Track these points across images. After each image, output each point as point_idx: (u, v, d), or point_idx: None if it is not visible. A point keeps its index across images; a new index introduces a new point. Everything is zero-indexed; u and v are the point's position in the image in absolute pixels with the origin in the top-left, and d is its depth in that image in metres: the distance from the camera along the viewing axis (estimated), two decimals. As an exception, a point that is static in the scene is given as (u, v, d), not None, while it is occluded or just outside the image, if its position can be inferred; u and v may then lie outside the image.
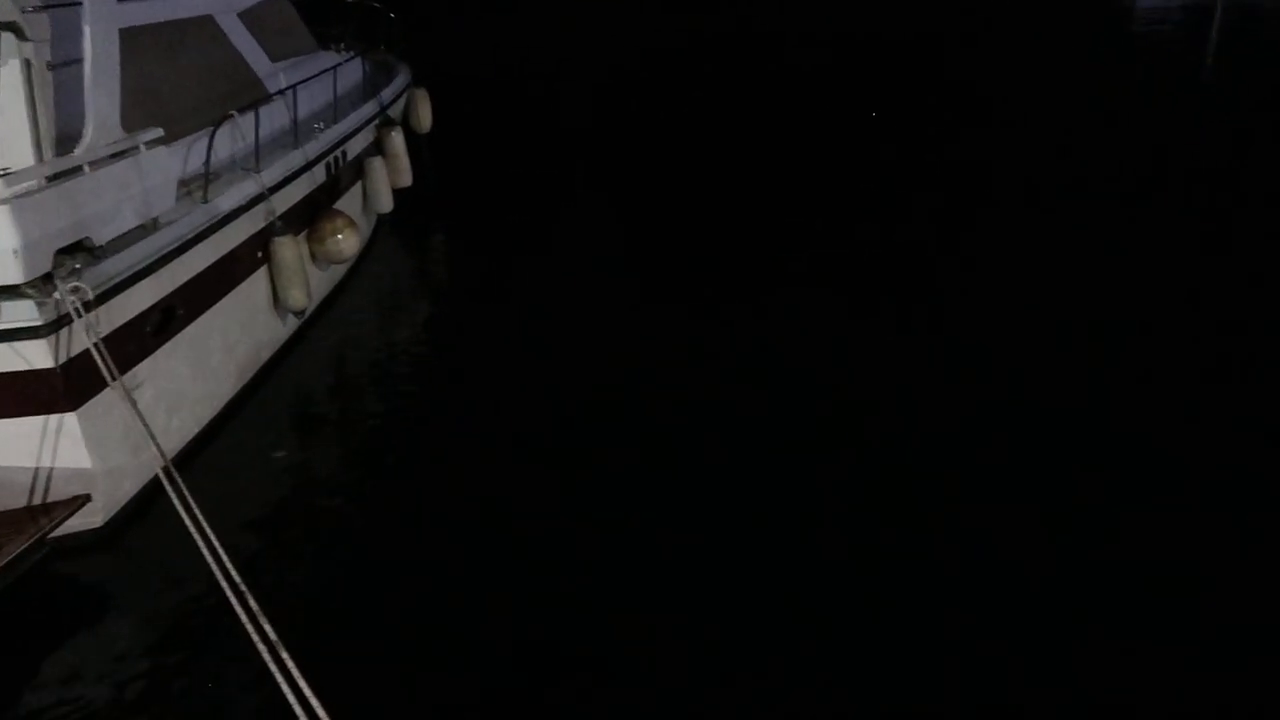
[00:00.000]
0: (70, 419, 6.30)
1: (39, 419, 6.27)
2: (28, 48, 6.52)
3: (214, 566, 4.82)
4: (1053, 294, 10.51)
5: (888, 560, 6.28)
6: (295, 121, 9.88)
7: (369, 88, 12.50)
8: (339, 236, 9.65)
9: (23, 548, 5.95)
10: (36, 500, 6.42)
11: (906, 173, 15.53)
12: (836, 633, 5.69)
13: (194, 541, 5.03)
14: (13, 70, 6.51)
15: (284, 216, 8.81)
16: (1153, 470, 7.21)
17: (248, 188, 8.35)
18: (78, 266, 6.26)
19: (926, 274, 11.26)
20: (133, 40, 7.72)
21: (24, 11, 6.45)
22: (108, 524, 6.65)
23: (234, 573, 4.74)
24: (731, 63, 27.60)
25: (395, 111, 13.08)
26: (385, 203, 11.95)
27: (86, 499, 6.45)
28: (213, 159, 8.02)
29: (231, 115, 8.48)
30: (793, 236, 12.72)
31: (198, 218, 7.59)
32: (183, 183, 7.91)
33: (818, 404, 8.24)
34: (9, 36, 6.47)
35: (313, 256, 9.68)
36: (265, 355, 8.99)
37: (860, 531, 6.57)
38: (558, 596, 6.00)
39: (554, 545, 6.48)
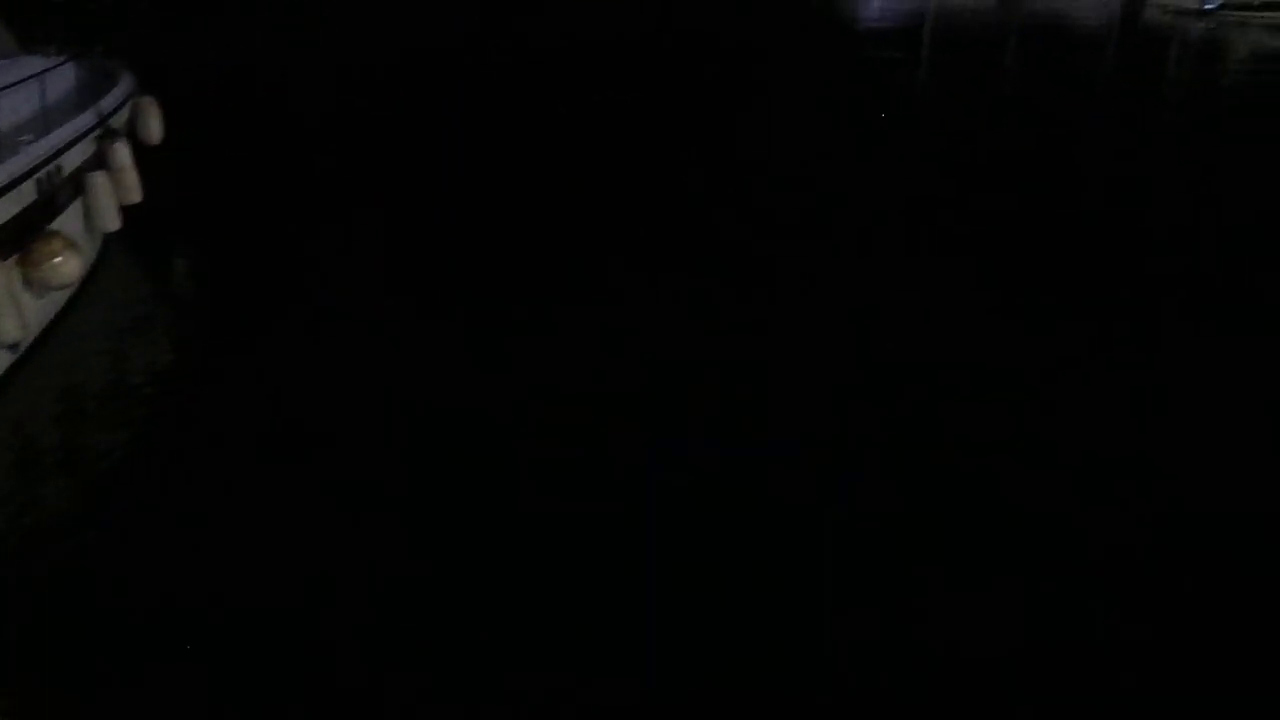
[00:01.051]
0: None
1: None
2: None
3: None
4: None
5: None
6: (-4, 134, 8.91)
7: (85, 96, 11.44)
8: (57, 260, 8.78)
9: None
10: None
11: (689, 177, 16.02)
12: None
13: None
14: None
15: (-13, 240, 7.91)
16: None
17: (-61, 209, 7.42)
18: None
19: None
20: None
21: None
22: None
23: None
24: (494, 62, 27.45)
25: (118, 122, 12.05)
26: (111, 221, 10.97)
27: None
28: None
29: (-85, 127, 7.53)
30: (566, 242, 12.81)
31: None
32: None
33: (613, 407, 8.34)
34: None
35: (26, 283, 8.75)
36: (-27, 395, 8.03)
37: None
38: (302, 644, 5.71)
39: (302, 595, 6.11)
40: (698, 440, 7.90)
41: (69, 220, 10.07)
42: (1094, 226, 13.89)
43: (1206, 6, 42.67)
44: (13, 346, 8.51)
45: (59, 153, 9.77)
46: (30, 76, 9.73)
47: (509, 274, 11.72)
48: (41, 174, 9.28)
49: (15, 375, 8.67)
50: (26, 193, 8.93)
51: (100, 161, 11.10)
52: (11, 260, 8.42)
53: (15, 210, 8.64)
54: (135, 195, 11.82)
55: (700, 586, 6.20)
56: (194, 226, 13.51)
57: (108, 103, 11.63)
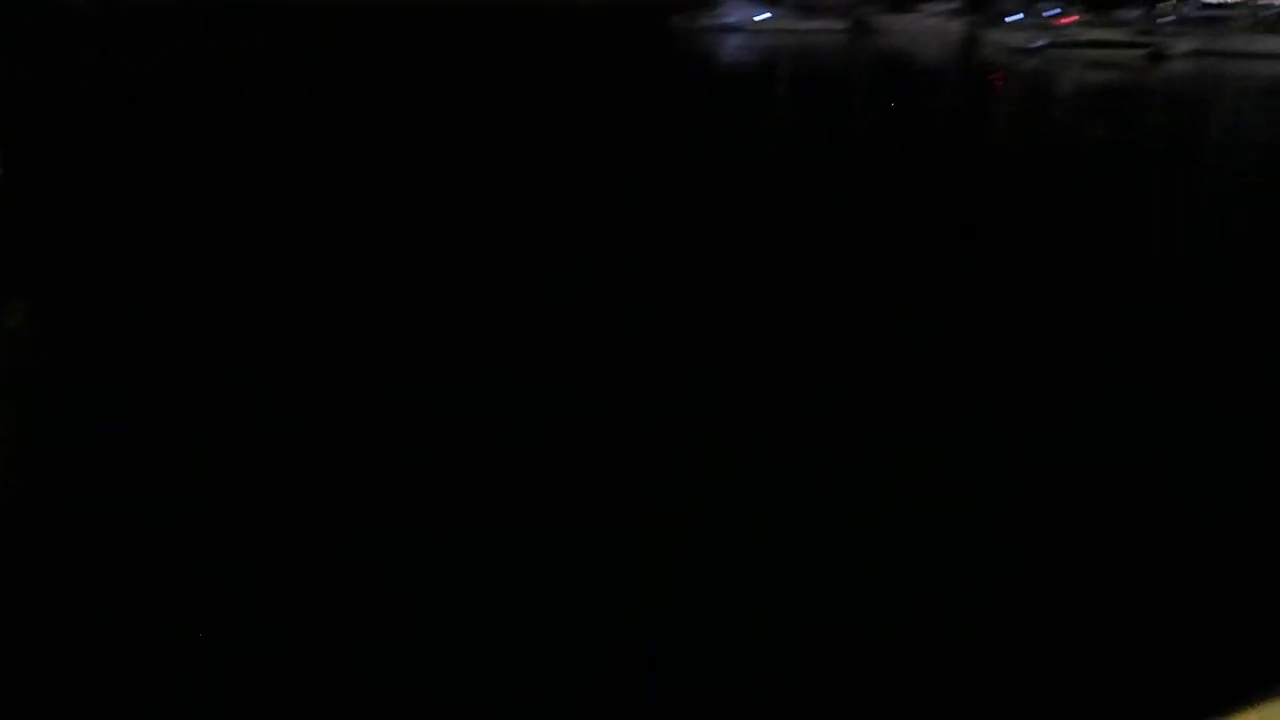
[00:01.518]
0: None
1: None
2: None
3: None
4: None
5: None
6: None
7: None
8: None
9: None
10: None
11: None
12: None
13: None
14: None
15: None
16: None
17: None
18: None
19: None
20: None
21: None
22: None
23: None
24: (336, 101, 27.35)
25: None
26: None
27: None
28: None
29: None
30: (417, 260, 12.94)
31: None
32: None
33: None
34: None
35: None
36: None
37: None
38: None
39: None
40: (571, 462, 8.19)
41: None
42: (930, 250, 14.86)
43: (1033, 45, 46.10)
44: None
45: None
46: None
47: (371, 311, 11.79)
48: None
49: None
50: None
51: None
52: None
53: None
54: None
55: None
56: (37, 272, 13.05)
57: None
